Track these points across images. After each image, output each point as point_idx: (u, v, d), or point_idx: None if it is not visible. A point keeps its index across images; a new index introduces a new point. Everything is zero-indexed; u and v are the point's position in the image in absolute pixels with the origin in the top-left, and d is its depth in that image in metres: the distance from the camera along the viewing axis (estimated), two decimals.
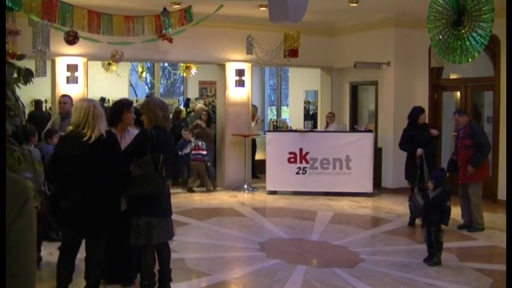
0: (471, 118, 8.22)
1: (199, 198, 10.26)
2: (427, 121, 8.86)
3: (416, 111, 8.48)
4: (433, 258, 6.20)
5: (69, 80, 10.27)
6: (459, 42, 5.58)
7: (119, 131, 5.10)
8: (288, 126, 13.52)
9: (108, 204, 4.55)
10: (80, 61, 10.35)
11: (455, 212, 7.84)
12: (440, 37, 5.73)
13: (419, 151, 8.03)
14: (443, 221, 6.32)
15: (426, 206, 6.37)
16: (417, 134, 8.27)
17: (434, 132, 8.58)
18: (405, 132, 8.48)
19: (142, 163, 4.64)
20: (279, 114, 17.63)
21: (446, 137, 11.10)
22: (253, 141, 12.63)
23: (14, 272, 1.30)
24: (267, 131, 12.27)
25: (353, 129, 11.79)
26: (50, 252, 5.87)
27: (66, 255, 4.65)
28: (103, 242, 4.68)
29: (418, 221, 7.84)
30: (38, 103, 13.35)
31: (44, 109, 14.06)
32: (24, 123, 4.68)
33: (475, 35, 5.47)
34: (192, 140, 11.11)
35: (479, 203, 7.83)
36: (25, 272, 1.34)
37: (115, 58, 10.12)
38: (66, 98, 8.10)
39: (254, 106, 13.08)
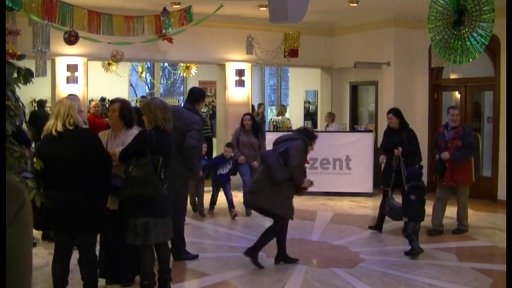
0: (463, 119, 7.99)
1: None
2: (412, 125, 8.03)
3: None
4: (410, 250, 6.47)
5: (69, 80, 10.28)
6: (459, 42, 5.58)
7: (114, 131, 5.14)
8: (289, 126, 13.55)
9: (92, 202, 4.52)
10: (80, 61, 10.36)
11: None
12: (441, 37, 5.73)
13: (396, 151, 7.34)
14: (405, 214, 6.57)
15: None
16: (385, 138, 7.80)
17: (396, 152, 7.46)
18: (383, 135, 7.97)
19: (141, 164, 4.62)
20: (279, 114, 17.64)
21: None
22: None
23: (7, 277, 1.29)
24: (267, 131, 12.27)
25: (353, 129, 11.79)
26: (50, 252, 5.86)
27: (58, 258, 4.64)
28: (92, 241, 4.68)
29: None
30: (40, 103, 13.36)
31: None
32: (24, 123, 4.67)
33: (475, 35, 5.48)
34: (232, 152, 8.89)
35: (466, 205, 7.74)
36: (19, 277, 1.33)
37: (115, 58, 10.13)
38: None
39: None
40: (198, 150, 6.20)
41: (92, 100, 11.86)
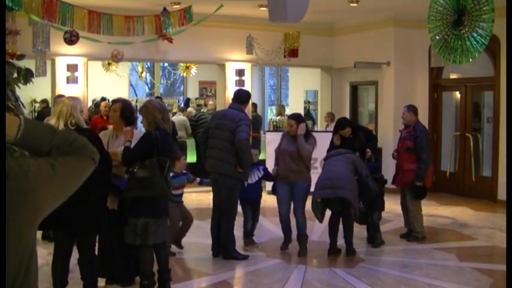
0: (418, 119, 7.30)
1: (199, 198, 10.25)
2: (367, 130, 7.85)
3: (336, 126, 7.48)
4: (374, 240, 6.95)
5: (69, 80, 10.28)
6: (459, 42, 5.58)
7: (115, 131, 5.15)
8: None
9: (92, 202, 4.47)
10: (80, 61, 10.36)
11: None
12: (441, 37, 5.73)
13: (368, 153, 7.16)
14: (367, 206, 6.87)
15: None
16: (341, 145, 7.32)
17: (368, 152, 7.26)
18: (330, 143, 7.51)
19: (147, 165, 4.63)
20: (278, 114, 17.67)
21: (446, 137, 11.12)
22: None
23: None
24: (267, 131, 12.27)
25: None
26: (50, 252, 5.86)
27: (58, 258, 4.63)
28: (92, 241, 4.68)
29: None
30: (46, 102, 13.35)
31: None
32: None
33: (475, 34, 5.48)
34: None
35: (418, 210, 7.24)
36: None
37: (116, 58, 10.13)
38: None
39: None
40: (249, 144, 6.36)
41: (94, 100, 11.86)
